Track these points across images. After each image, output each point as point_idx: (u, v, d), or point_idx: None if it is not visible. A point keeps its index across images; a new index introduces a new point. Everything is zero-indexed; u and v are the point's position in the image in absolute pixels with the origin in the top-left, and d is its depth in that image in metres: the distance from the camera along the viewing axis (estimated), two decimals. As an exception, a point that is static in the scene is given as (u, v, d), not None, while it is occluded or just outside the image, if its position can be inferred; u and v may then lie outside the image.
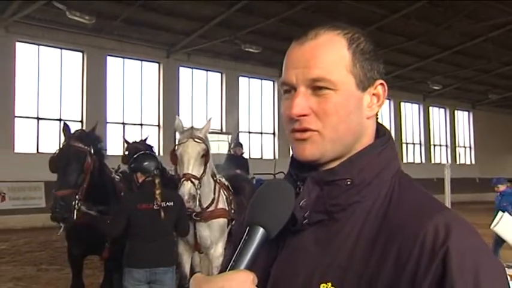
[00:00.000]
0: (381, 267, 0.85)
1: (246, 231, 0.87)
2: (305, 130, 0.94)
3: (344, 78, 0.94)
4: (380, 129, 1.02)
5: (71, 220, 4.06)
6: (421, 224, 0.85)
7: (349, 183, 0.93)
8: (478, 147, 30.39)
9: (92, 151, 4.29)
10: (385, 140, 0.99)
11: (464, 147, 30.56)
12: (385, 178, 0.95)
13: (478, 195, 25.51)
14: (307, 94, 0.94)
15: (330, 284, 0.88)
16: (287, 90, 0.98)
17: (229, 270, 0.83)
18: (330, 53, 0.94)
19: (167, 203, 4.13)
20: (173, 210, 4.17)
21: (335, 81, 0.93)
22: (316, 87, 0.93)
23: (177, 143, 4.70)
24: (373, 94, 0.98)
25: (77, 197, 4.06)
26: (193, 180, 4.36)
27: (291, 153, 1.03)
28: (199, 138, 4.53)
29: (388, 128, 1.04)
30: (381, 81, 0.99)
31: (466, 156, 30.48)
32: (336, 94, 0.93)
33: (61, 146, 4.31)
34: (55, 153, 4.25)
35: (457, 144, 30.04)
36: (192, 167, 4.40)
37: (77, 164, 4.12)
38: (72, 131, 4.39)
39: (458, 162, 28.89)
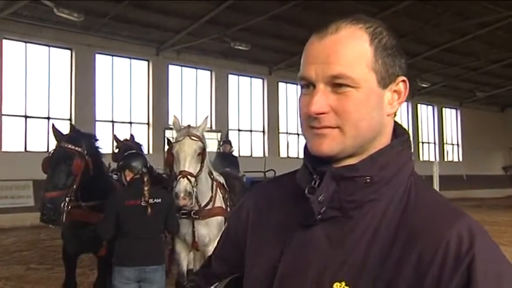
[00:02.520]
0: (400, 271, 0.84)
1: None
2: (324, 128, 0.92)
3: (365, 76, 0.91)
4: (398, 128, 1.00)
5: (60, 222, 4.05)
6: (444, 229, 0.84)
7: (368, 180, 0.91)
8: (465, 145, 30.64)
9: (86, 152, 4.26)
10: (404, 140, 0.98)
11: (452, 144, 30.80)
12: (402, 178, 0.94)
13: (465, 192, 25.76)
14: (327, 91, 0.91)
15: (343, 283, 0.87)
16: (305, 85, 0.95)
17: None
18: (351, 49, 0.91)
19: (155, 200, 4.13)
20: (161, 208, 4.17)
21: (356, 79, 0.90)
22: (336, 84, 0.91)
23: (173, 141, 4.70)
24: (394, 91, 0.96)
25: (66, 199, 4.04)
26: (189, 177, 4.36)
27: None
28: (195, 136, 4.54)
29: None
30: (403, 77, 0.97)
31: (453, 154, 30.72)
32: (357, 92, 0.90)
33: (54, 148, 4.30)
34: (49, 154, 4.24)
35: (445, 142, 30.27)
36: (188, 164, 4.39)
37: (64, 166, 4.10)
38: (63, 132, 4.37)
39: (446, 160, 29.12)
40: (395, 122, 1.00)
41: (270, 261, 0.96)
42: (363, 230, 0.90)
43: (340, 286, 0.87)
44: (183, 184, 4.31)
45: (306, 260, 0.92)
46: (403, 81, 0.98)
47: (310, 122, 0.93)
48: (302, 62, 0.96)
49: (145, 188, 4.11)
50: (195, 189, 4.41)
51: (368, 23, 0.94)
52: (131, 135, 5.77)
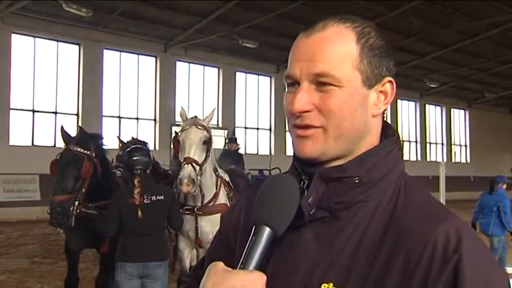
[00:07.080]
0: (388, 271, 0.84)
1: (253, 231, 0.86)
2: (307, 127, 0.91)
3: (349, 75, 0.90)
4: (388, 128, 0.99)
5: (68, 225, 4.05)
6: (431, 229, 0.84)
7: (356, 181, 0.91)
8: (473, 146, 30.48)
9: (94, 154, 4.26)
10: (394, 141, 0.97)
11: (460, 145, 30.67)
12: (392, 179, 0.93)
13: (472, 193, 25.58)
14: (311, 89, 0.91)
15: (331, 284, 0.86)
16: (291, 84, 0.95)
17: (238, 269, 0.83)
18: (336, 47, 0.91)
19: (157, 197, 4.13)
20: (164, 204, 4.16)
21: (340, 78, 0.89)
22: (320, 82, 0.90)
23: (180, 129, 4.72)
24: (380, 91, 0.95)
25: (76, 202, 4.05)
26: (193, 164, 4.34)
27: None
28: (202, 125, 4.57)
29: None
30: (390, 78, 0.96)
31: (461, 155, 30.58)
32: (340, 91, 0.90)
33: (62, 150, 4.29)
34: (56, 157, 4.24)
35: (452, 143, 30.13)
36: (193, 151, 4.39)
37: (74, 169, 4.10)
38: (71, 133, 4.36)
39: (453, 161, 28.98)
40: (385, 123, 0.99)
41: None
42: (351, 231, 0.90)
43: (328, 287, 0.87)
44: (187, 170, 4.28)
45: (295, 261, 0.92)
46: (390, 82, 0.96)
47: (293, 120, 0.93)
48: (289, 60, 0.95)
49: (136, 191, 4.10)
50: (199, 178, 4.38)
51: (356, 23, 0.94)
52: (133, 138, 5.76)
